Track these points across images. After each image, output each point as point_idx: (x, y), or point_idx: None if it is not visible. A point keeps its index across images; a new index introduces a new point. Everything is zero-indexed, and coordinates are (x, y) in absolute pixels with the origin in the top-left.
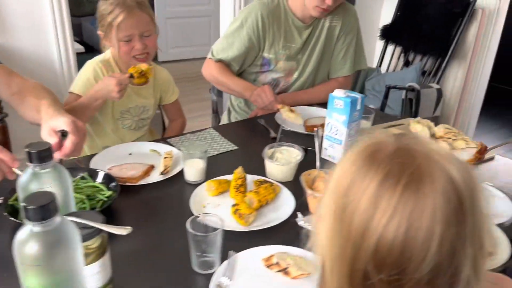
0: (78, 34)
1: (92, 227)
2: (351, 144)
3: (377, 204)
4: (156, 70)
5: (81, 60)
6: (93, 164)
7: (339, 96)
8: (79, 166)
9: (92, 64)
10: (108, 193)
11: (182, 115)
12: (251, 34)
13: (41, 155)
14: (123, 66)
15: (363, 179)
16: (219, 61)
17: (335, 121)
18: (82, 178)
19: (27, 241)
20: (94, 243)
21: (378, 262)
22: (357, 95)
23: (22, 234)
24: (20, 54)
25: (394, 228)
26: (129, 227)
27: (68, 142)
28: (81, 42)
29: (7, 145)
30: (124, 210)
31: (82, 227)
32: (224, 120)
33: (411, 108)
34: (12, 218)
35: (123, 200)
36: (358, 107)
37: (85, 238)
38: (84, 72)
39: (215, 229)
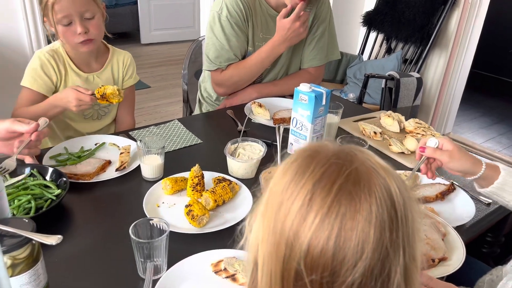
0: None
1: (20, 235)
2: (316, 140)
3: (311, 204)
4: (115, 53)
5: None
6: (47, 160)
7: (303, 91)
8: (31, 162)
9: (38, 54)
10: (57, 191)
11: (131, 116)
12: (240, 25)
13: None
14: (73, 54)
15: (300, 179)
16: (228, 66)
17: (300, 116)
18: (31, 175)
19: None
20: (23, 252)
21: (310, 262)
22: (323, 90)
23: None
24: None
25: (326, 229)
26: (60, 235)
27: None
28: None
29: None
30: (75, 209)
31: (9, 236)
32: (196, 111)
33: (391, 97)
34: None
35: (74, 198)
36: (323, 102)
37: (11, 248)
38: (31, 63)
39: (161, 233)
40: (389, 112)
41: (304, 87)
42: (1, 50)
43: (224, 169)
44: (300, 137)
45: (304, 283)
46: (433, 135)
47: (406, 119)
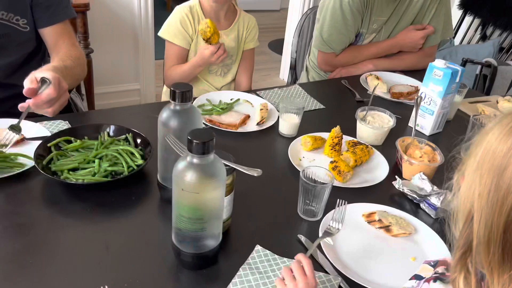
0: None
1: (227, 165)
2: (442, 116)
3: None
4: (242, 14)
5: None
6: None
7: (439, 67)
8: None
9: (179, 10)
10: (140, 161)
11: (249, 79)
12: (360, 9)
13: (183, 96)
14: (206, 9)
15: None
16: (342, 51)
17: (431, 91)
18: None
19: (187, 170)
20: (228, 179)
21: None
22: (458, 68)
23: (182, 164)
24: None
25: None
26: (260, 170)
27: (44, 94)
28: None
29: (89, 80)
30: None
31: None
32: (303, 78)
33: (484, 84)
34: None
35: (222, 144)
36: (457, 79)
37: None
38: (171, 18)
39: (322, 183)
40: (508, 97)
41: (439, 63)
42: (111, 5)
43: (350, 134)
44: (427, 111)
45: None
46: None
47: None
